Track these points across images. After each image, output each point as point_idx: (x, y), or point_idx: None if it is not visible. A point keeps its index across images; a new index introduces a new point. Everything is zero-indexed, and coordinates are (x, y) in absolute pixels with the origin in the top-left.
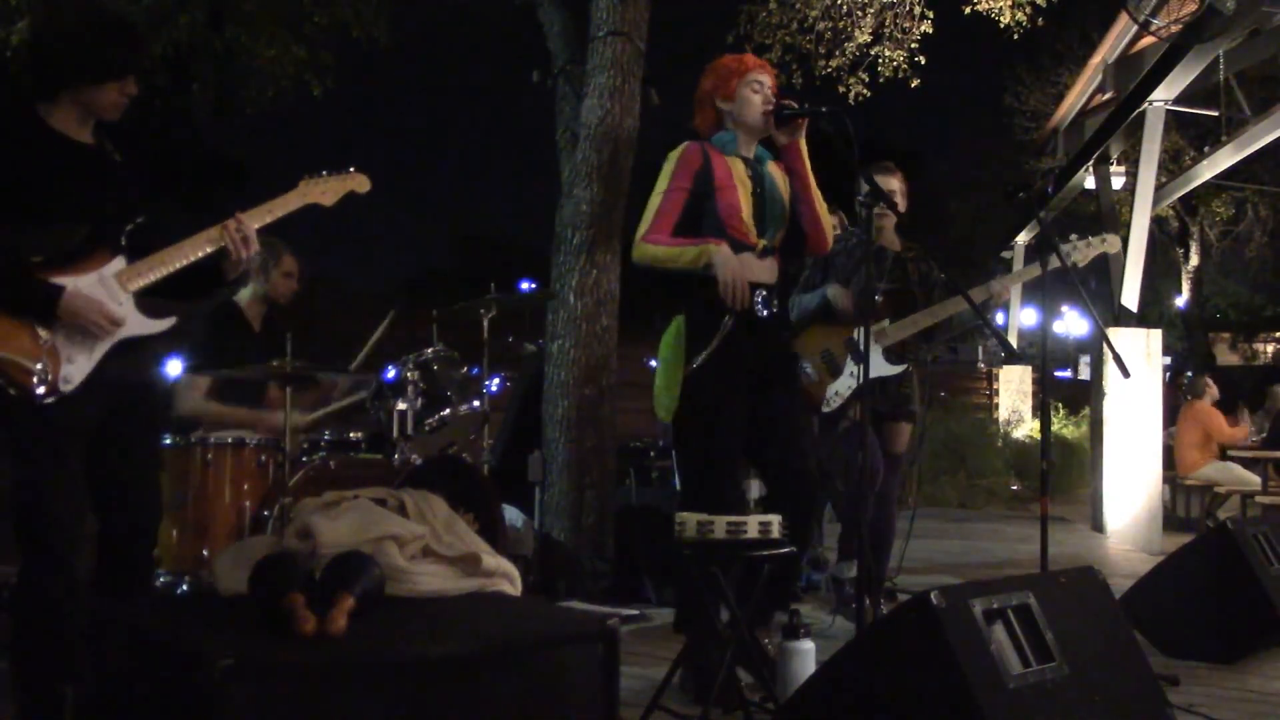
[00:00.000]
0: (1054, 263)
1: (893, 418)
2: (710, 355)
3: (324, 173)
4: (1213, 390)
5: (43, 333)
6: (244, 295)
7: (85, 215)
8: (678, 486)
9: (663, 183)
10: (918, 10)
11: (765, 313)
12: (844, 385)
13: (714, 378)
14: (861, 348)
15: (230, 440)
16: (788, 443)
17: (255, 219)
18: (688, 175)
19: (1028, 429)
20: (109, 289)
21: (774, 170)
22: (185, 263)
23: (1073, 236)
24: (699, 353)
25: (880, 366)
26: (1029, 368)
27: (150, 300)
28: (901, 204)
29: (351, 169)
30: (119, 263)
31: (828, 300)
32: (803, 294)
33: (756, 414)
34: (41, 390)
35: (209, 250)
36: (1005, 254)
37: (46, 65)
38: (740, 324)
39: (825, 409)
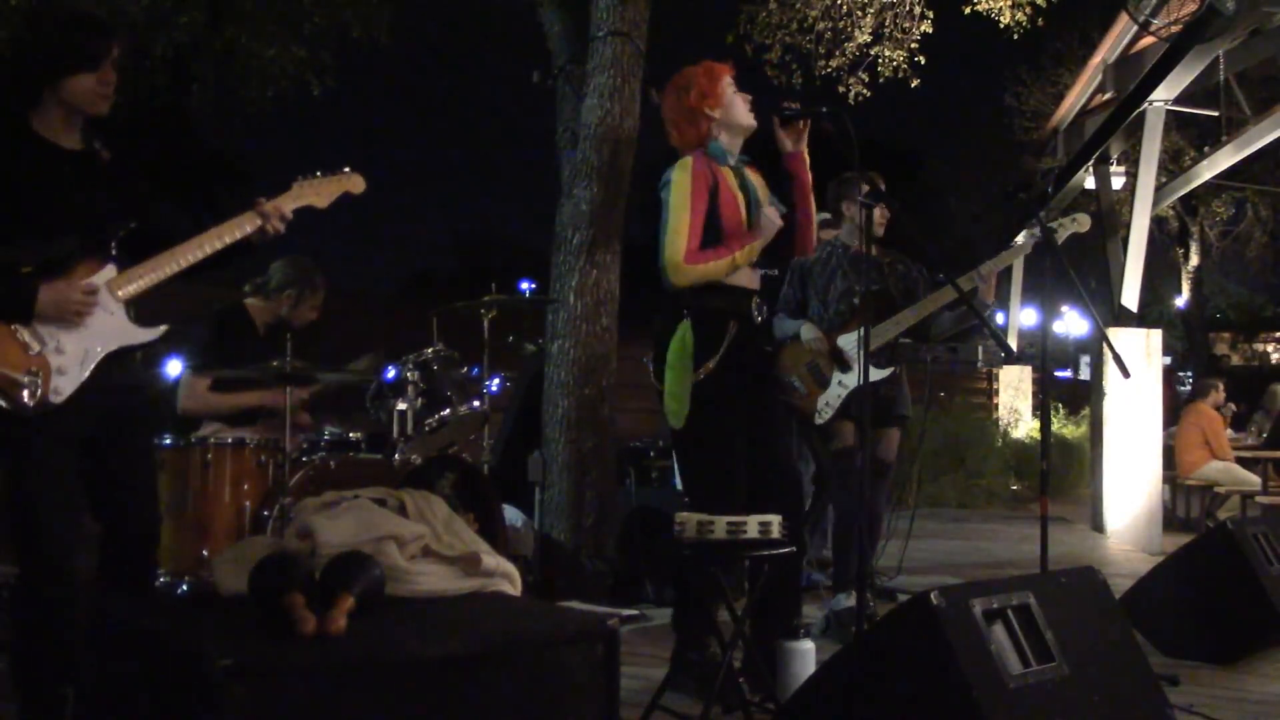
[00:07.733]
0: (1035, 233)
1: (879, 424)
2: (720, 361)
3: (318, 174)
4: (1219, 395)
5: (33, 344)
6: (259, 304)
7: (75, 223)
8: (678, 486)
9: (683, 200)
10: (918, 10)
11: (760, 318)
12: (833, 395)
13: (723, 383)
14: (857, 353)
15: (230, 440)
16: (773, 443)
17: (247, 223)
18: (704, 189)
19: (1027, 429)
20: (100, 298)
21: (752, 176)
22: (179, 268)
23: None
24: (708, 359)
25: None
26: (1029, 368)
27: (143, 308)
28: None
29: (347, 169)
30: (109, 271)
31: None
32: (783, 317)
33: (750, 416)
34: (31, 403)
35: (209, 251)
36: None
37: (23, 65)
38: (741, 330)
39: (818, 420)
